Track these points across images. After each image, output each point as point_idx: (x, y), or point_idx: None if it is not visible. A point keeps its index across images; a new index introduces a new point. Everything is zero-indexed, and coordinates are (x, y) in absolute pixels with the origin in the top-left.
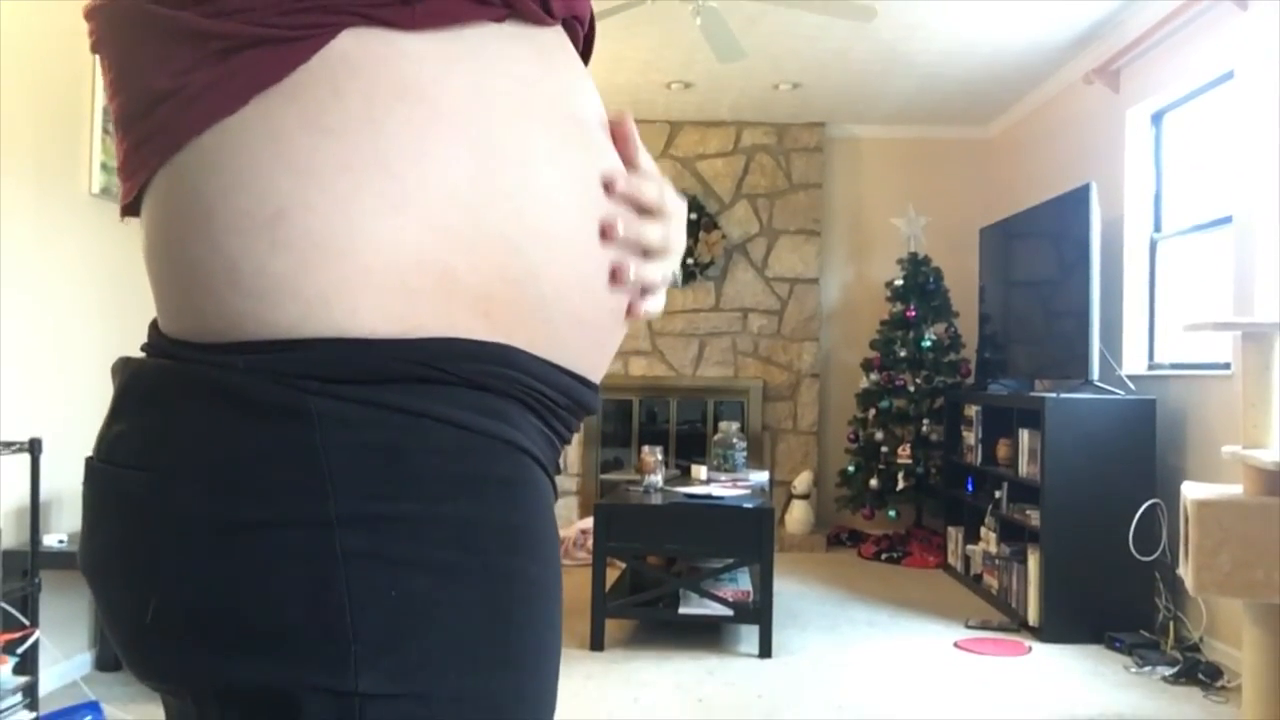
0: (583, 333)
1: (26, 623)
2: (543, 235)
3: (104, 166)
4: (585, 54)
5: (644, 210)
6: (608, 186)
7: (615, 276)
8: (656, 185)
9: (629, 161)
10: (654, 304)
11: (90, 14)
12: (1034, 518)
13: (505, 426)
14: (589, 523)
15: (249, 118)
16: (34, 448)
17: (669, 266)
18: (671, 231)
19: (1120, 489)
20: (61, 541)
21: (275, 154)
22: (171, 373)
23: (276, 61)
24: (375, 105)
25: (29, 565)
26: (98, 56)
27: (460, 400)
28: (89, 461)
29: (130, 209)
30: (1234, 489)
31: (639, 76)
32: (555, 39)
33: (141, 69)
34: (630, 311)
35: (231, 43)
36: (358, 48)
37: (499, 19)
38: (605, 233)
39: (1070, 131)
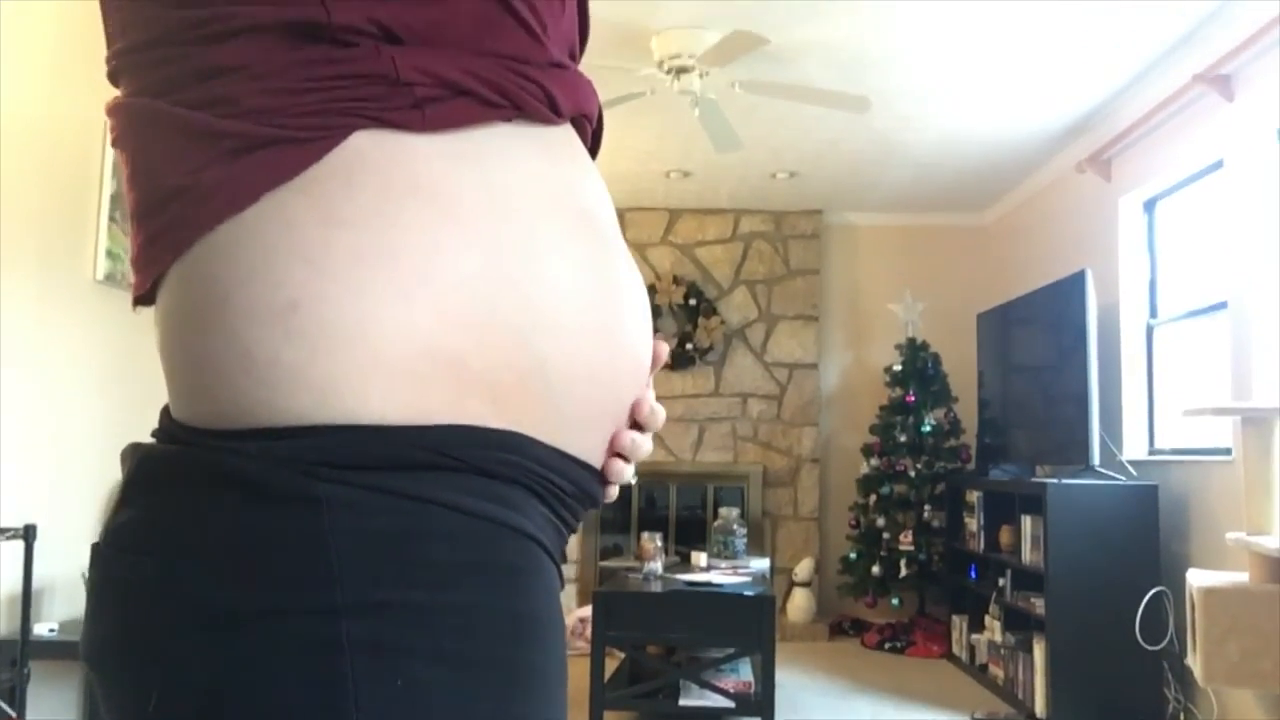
0: (590, 421)
1: (13, 714)
2: (550, 325)
3: (109, 253)
4: (595, 148)
5: (644, 429)
6: (634, 410)
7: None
8: (662, 411)
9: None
10: (613, 494)
11: (112, 111)
12: (1039, 605)
13: (512, 514)
14: (587, 611)
15: (263, 211)
16: (28, 534)
17: (632, 469)
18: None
19: (1125, 576)
20: (53, 630)
21: (289, 245)
22: (181, 459)
23: (289, 161)
24: (388, 200)
25: (18, 655)
26: (117, 150)
27: (468, 487)
28: (95, 547)
29: (143, 300)
30: (1240, 576)
31: (639, 165)
32: (563, 135)
33: (156, 165)
34: None
35: (244, 142)
36: (371, 147)
37: (508, 119)
38: (614, 441)
39: (1064, 219)
